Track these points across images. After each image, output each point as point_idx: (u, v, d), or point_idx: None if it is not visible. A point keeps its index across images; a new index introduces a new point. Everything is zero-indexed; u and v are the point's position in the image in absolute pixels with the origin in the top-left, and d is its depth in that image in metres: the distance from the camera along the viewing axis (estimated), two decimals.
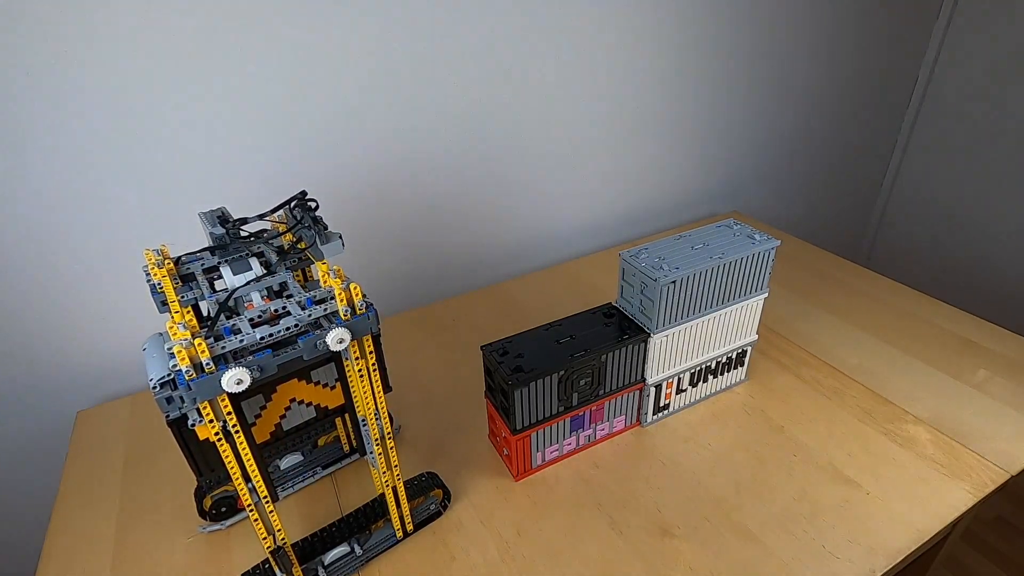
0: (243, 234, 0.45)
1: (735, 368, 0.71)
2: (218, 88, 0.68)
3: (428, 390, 0.74)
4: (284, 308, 0.41)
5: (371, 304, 0.42)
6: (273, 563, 0.47)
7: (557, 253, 1.07)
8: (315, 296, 0.42)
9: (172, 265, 0.44)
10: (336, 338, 0.40)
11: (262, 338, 0.38)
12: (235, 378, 0.36)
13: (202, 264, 0.45)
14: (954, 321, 0.83)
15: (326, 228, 0.45)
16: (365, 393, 0.45)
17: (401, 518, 0.54)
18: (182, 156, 0.70)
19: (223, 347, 0.37)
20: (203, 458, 0.42)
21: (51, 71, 0.60)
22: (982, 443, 0.63)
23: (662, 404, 0.67)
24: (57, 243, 0.68)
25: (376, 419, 0.47)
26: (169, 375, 0.38)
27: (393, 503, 0.52)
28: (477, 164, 0.91)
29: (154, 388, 0.37)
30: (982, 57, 1.34)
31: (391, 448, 0.49)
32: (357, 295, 0.41)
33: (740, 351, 0.69)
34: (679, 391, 0.67)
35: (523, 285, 0.96)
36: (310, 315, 0.40)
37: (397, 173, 0.85)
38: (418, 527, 0.57)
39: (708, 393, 0.71)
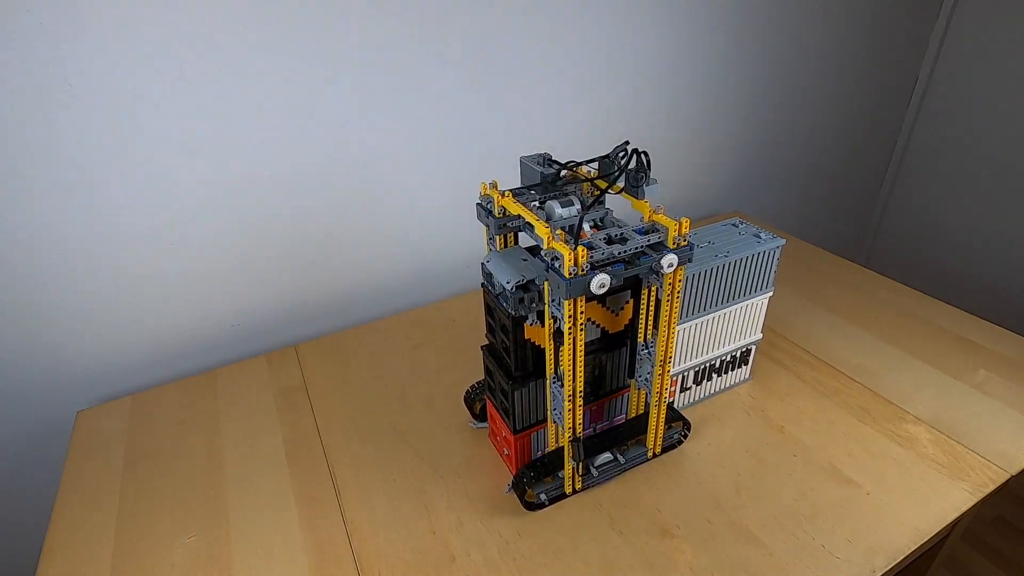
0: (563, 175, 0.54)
1: (739, 367, 0.71)
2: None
3: (428, 390, 0.74)
4: (621, 235, 0.48)
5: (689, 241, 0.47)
6: (569, 451, 0.55)
7: None
8: (644, 228, 0.48)
9: (510, 195, 0.51)
10: (668, 262, 0.46)
11: (617, 254, 0.45)
12: (599, 281, 0.43)
13: (527, 199, 0.52)
14: (953, 321, 0.83)
15: (648, 172, 0.50)
16: (664, 318, 0.51)
17: (655, 440, 0.60)
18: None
19: (591, 256, 0.44)
20: (521, 356, 0.52)
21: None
22: (982, 443, 0.64)
23: None
24: (58, 243, 0.68)
25: (665, 342, 0.52)
26: (522, 279, 0.47)
27: (655, 423, 0.59)
28: (476, 165, 0.91)
29: (512, 291, 0.46)
30: (981, 60, 1.34)
31: (668, 372, 0.55)
32: (686, 227, 0.47)
33: (744, 350, 0.69)
34: (683, 390, 0.67)
35: None
36: (648, 241, 0.47)
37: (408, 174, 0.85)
38: (663, 451, 0.63)
39: (711, 392, 0.71)
